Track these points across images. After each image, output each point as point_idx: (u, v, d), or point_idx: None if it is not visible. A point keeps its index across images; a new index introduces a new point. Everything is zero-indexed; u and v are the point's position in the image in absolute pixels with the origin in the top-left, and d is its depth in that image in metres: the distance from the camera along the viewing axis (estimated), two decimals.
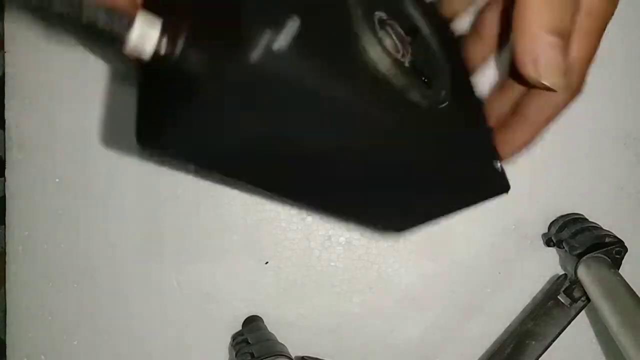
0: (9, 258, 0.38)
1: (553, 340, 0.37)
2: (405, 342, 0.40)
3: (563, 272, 0.39)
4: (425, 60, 0.24)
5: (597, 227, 0.37)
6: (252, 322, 0.38)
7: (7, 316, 0.39)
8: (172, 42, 0.18)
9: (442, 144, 0.23)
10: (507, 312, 0.40)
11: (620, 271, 0.35)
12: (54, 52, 0.37)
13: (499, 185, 0.26)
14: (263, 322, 0.38)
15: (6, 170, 0.38)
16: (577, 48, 0.24)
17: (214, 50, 0.17)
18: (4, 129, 0.38)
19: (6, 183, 0.38)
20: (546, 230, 0.39)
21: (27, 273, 0.38)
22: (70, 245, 0.38)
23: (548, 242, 0.39)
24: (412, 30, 0.24)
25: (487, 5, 0.31)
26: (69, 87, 0.37)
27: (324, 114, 0.19)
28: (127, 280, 0.38)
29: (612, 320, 0.32)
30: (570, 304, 0.37)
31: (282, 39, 0.16)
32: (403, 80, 0.21)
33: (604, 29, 0.24)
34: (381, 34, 0.21)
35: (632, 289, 0.33)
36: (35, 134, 0.38)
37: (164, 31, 0.18)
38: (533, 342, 0.37)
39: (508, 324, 0.40)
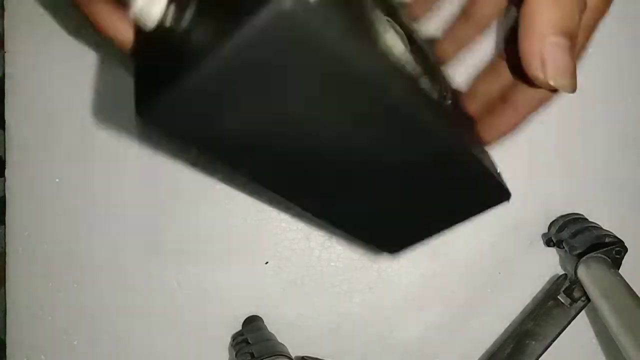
0: (9, 258, 0.38)
1: (553, 340, 0.37)
2: (405, 342, 0.40)
3: (563, 272, 0.39)
4: (423, 58, 0.24)
5: (597, 227, 0.37)
6: (252, 322, 0.38)
7: (7, 316, 0.39)
8: (179, 10, 0.17)
9: (452, 140, 0.22)
10: (507, 312, 0.40)
11: (620, 271, 0.35)
12: (54, 52, 0.37)
13: (500, 194, 0.26)
14: (263, 322, 0.38)
15: (6, 170, 0.38)
16: None
17: (225, 16, 0.16)
18: (4, 129, 0.38)
19: (6, 183, 0.38)
20: (546, 230, 0.39)
21: (27, 273, 0.38)
22: (70, 245, 0.38)
23: (548, 242, 0.39)
24: (407, 31, 0.24)
25: None
26: (69, 87, 0.37)
27: (339, 93, 0.18)
28: (127, 280, 0.38)
29: (612, 320, 0.32)
30: (570, 304, 0.37)
31: None
32: (416, 67, 0.20)
33: (597, 27, 0.24)
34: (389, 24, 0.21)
35: (632, 289, 0.33)
36: (35, 134, 0.38)
37: None
38: (533, 342, 0.37)
39: (508, 324, 0.40)
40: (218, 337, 0.39)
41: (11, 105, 0.37)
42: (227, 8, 0.16)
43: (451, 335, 0.40)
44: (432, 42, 0.31)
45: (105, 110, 0.37)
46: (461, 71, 0.32)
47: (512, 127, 0.28)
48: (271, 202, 0.38)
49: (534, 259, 0.39)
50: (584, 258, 0.35)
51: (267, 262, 0.39)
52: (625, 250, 0.35)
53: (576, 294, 0.37)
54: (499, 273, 0.39)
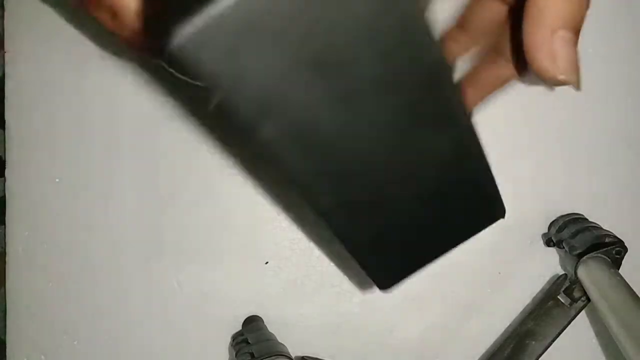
0: (9, 258, 0.38)
1: (553, 340, 0.37)
2: (405, 342, 0.40)
3: (563, 272, 0.39)
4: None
5: (597, 227, 0.37)
6: (252, 322, 0.38)
7: (7, 316, 0.39)
8: None
9: (469, 124, 0.22)
10: (507, 312, 0.40)
11: (620, 271, 0.35)
12: (54, 52, 0.37)
13: (499, 209, 0.26)
14: (263, 322, 0.38)
15: (6, 170, 0.38)
16: None
17: None
18: (4, 129, 0.38)
19: (6, 183, 0.38)
20: (546, 230, 0.39)
21: (27, 273, 0.38)
22: (70, 245, 0.38)
23: (548, 242, 0.39)
24: None
25: None
26: (69, 87, 0.37)
27: (375, 43, 0.18)
28: (127, 280, 0.38)
29: (612, 320, 0.32)
30: (570, 304, 0.37)
31: None
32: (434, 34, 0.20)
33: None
34: None
35: (632, 289, 0.33)
36: (35, 134, 0.38)
37: None
38: (533, 342, 0.37)
39: (508, 324, 0.40)
40: (218, 337, 0.39)
41: (11, 105, 0.37)
42: None
43: (451, 335, 0.40)
44: None
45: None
46: None
47: (472, 104, 0.29)
48: (273, 197, 0.38)
49: (534, 259, 0.39)
50: (584, 258, 0.35)
51: (267, 262, 0.39)
52: (625, 250, 0.35)
53: (576, 294, 0.37)
54: (499, 273, 0.39)
